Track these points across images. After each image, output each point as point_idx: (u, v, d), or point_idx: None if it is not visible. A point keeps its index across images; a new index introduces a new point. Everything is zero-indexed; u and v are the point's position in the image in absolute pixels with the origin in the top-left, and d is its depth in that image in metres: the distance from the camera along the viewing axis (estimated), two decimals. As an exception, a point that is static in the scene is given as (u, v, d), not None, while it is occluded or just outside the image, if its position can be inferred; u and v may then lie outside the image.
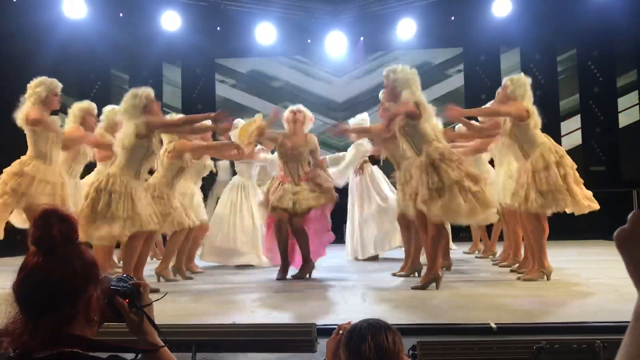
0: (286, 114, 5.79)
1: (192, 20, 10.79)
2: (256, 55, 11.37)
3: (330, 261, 6.86)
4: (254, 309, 4.00)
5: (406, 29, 10.78)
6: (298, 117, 5.70)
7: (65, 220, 1.27)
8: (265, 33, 10.88)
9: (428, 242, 4.77)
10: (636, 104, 10.70)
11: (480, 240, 7.53)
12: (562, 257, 6.50)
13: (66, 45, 10.09)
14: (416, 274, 5.37)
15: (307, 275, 5.51)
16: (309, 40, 11.23)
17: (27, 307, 1.24)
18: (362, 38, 11.16)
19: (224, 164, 7.71)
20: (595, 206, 4.86)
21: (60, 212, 1.29)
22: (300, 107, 5.85)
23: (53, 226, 1.25)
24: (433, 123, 4.86)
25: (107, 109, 6.11)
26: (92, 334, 1.29)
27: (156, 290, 4.05)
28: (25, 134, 5.26)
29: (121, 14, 10.60)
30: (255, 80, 11.55)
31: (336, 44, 11.02)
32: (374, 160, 7.63)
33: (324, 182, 5.59)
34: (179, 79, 11.55)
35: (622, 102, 10.80)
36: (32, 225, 1.27)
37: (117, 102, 12.08)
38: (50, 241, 1.24)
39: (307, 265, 5.54)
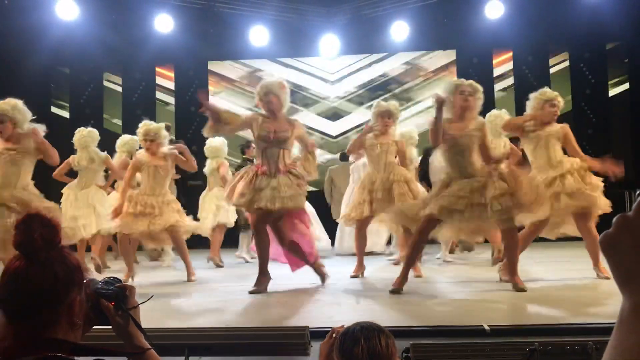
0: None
1: (185, 23, 10.75)
2: (249, 58, 11.35)
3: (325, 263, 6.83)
4: (247, 312, 3.98)
5: (399, 31, 10.79)
6: (272, 100, 4.85)
7: (47, 225, 1.26)
8: (259, 36, 10.86)
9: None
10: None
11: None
12: (555, 258, 6.52)
13: (58, 47, 10.04)
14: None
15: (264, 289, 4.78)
16: (302, 43, 11.22)
17: (8, 312, 1.23)
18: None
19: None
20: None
21: (43, 217, 1.28)
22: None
23: (34, 230, 1.24)
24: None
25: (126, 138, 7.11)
26: (77, 338, 1.28)
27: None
28: None
29: (114, 16, 10.55)
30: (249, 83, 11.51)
31: (329, 46, 11.01)
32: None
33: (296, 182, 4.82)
34: (172, 81, 11.51)
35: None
36: (14, 229, 1.26)
37: (109, 106, 11.97)
38: (31, 245, 1.23)
39: (264, 277, 4.82)
